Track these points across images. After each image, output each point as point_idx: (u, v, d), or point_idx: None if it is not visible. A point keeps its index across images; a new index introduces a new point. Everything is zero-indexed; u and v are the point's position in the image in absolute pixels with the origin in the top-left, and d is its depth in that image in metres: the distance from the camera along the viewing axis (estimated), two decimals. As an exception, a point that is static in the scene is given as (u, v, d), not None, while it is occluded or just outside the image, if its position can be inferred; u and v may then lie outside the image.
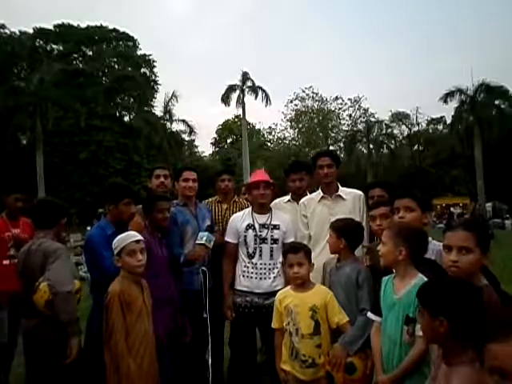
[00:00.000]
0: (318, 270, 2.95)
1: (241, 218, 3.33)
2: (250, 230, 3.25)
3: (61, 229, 3.02)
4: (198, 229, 3.38)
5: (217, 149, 46.82)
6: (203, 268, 3.27)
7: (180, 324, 3.14)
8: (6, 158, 24.91)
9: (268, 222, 3.27)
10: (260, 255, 3.21)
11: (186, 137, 35.51)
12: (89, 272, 2.88)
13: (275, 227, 3.26)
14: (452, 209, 27.88)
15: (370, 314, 2.40)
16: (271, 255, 3.22)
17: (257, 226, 3.26)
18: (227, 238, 3.35)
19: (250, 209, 3.40)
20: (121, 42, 34.60)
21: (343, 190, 3.45)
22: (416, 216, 2.49)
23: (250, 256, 3.23)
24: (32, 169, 24.79)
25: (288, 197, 3.73)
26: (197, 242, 3.17)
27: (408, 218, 2.47)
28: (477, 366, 1.29)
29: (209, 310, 3.20)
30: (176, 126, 33.72)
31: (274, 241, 3.24)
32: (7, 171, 22.09)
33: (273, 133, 43.75)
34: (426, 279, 2.10)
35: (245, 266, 3.24)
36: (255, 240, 3.23)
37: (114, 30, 34.06)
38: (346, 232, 2.80)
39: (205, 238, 3.13)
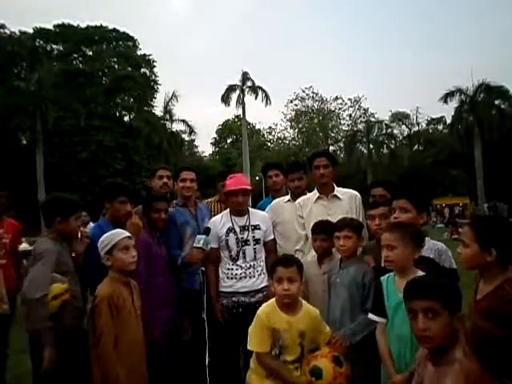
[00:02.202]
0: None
1: (220, 222, 3.28)
2: (231, 234, 3.22)
3: (65, 227, 2.76)
4: (197, 229, 3.39)
5: (217, 149, 46.78)
6: (202, 268, 3.28)
7: (179, 323, 3.15)
8: (6, 157, 24.89)
9: (247, 224, 3.26)
10: (244, 257, 3.20)
11: (186, 137, 35.59)
12: (88, 272, 2.86)
13: (256, 227, 3.26)
14: (446, 209, 27.93)
15: (371, 316, 2.37)
16: (254, 256, 3.22)
17: (237, 228, 3.23)
18: None
19: (227, 212, 3.34)
20: (121, 42, 34.50)
21: (339, 190, 3.45)
22: (411, 217, 2.51)
23: (234, 259, 3.21)
24: (32, 169, 24.79)
25: (288, 197, 3.73)
26: (194, 245, 3.16)
27: (402, 219, 2.49)
28: (465, 364, 1.29)
29: (208, 311, 3.20)
30: (176, 126, 33.77)
31: (256, 241, 3.24)
32: (7, 171, 22.10)
33: (273, 133, 43.87)
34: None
35: (228, 268, 3.21)
36: (237, 243, 3.20)
37: (114, 29, 33.98)
38: (360, 231, 2.83)
39: (202, 242, 3.12)
